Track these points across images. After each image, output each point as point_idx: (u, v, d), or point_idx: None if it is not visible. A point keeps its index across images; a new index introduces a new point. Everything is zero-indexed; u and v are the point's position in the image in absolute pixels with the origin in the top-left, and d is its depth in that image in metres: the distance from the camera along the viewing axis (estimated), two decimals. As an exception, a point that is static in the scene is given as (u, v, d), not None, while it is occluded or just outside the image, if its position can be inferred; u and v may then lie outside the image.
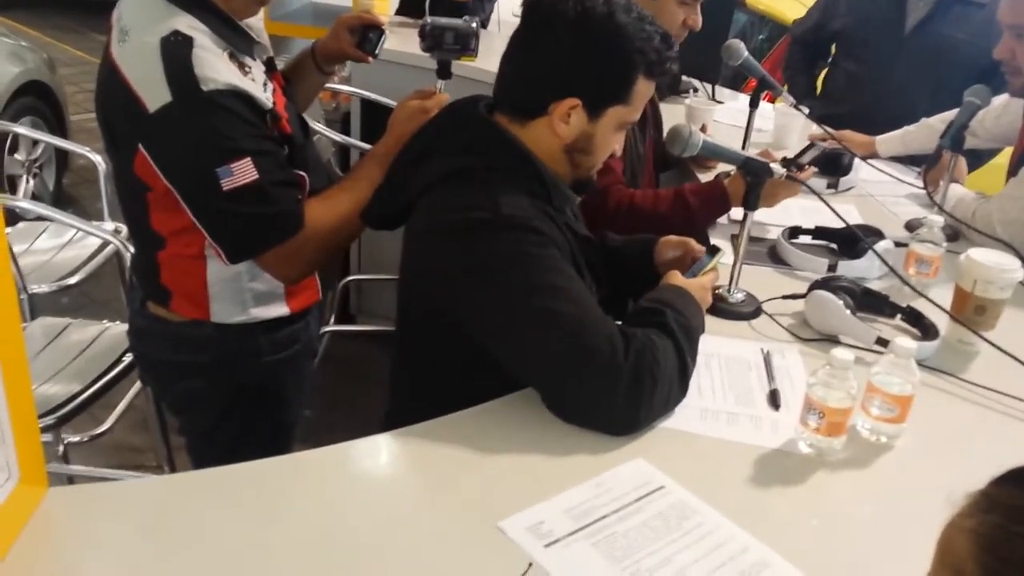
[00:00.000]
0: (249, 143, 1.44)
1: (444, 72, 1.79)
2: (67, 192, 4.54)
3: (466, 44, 1.77)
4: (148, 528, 1.11)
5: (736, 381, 1.50)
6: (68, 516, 1.11)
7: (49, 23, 7.42)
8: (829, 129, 2.64)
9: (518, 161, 1.41)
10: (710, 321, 1.63)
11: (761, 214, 2.12)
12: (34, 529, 1.06)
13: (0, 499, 0.99)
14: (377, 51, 1.85)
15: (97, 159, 2.86)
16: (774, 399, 1.44)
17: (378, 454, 1.29)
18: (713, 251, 1.63)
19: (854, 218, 2.19)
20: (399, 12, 3.66)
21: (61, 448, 2.35)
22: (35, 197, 4.17)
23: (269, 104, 1.51)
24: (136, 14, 1.45)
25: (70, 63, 6.28)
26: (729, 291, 1.72)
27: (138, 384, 2.64)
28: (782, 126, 2.68)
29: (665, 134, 1.69)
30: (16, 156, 4.05)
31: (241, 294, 1.61)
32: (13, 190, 4.08)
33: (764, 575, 1.09)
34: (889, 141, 2.59)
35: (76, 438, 2.58)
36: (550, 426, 1.33)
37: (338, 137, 3.15)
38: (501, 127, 1.43)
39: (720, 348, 1.58)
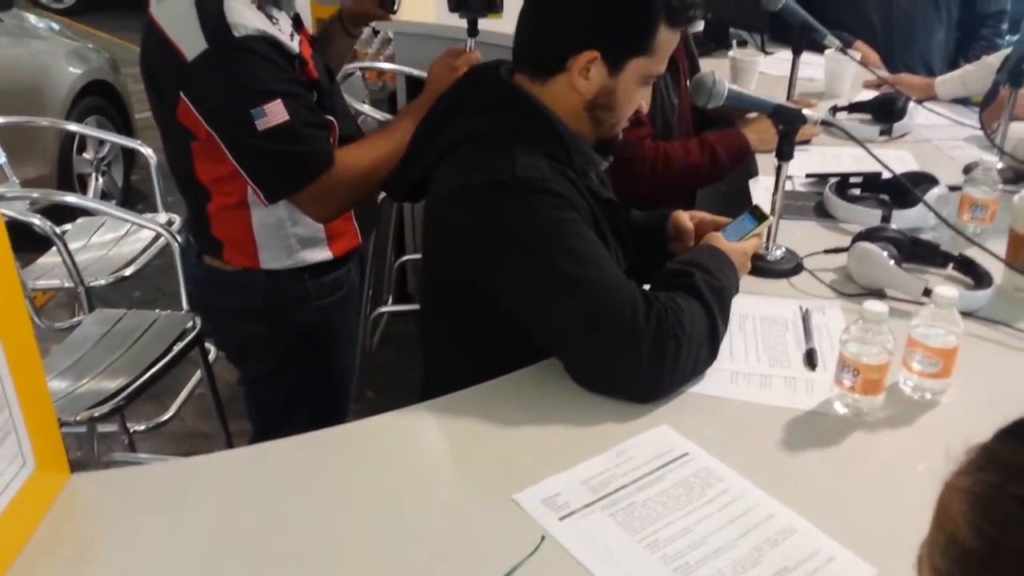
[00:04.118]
0: (280, 86, 1.53)
1: (473, 30, 1.85)
2: (136, 188, 4.66)
3: (491, 2, 1.83)
4: (168, 510, 1.12)
5: (771, 342, 1.44)
6: (92, 501, 1.13)
7: (119, 24, 7.64)
8: (884, 73, 2.53)
9: (537, 121, 1.37)
10: (747, 281, 1.57)
11: (808, 166, 2.06)
12: (57, 515, 1.08)
13: (15, 488, 1.01)
14: (395, 7, 1.96)
15: (149, 152, 2.92)
16: (810, 358, 1.38)
17: (396, 429, 1.27)
18: (760, 216, 1.55)
19: (909, 164, 2.08)
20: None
21: (126, 438, 2.43)
22: (104, 194, 4.30)
23: (296, 50, 1.60)
24: None
25: (137, 61, 6.46)
26: (767, 248, 1.65)
27: (199, 373, 2.71)
28: (833, 73, 2.56)
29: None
30: (85, 155, 4.18)
31: (286, 239, 1.71)
32: (83, 188, 4.21)
33: (791, 541, 1.04)
34: (948, 82, 2.45)
35: (141, 427, 2.67)
36: (573, 396, 1.30)
37: (384, 116, 3.14)
38: (520, 87, 1.39)
39: (756, 308, 1.52)
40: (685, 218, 1.63)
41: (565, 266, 1.28)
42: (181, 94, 1.53)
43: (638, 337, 1.25)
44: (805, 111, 1.55)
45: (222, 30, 1.49)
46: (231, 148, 1.56)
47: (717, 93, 1.52)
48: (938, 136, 2.28)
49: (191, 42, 1.50)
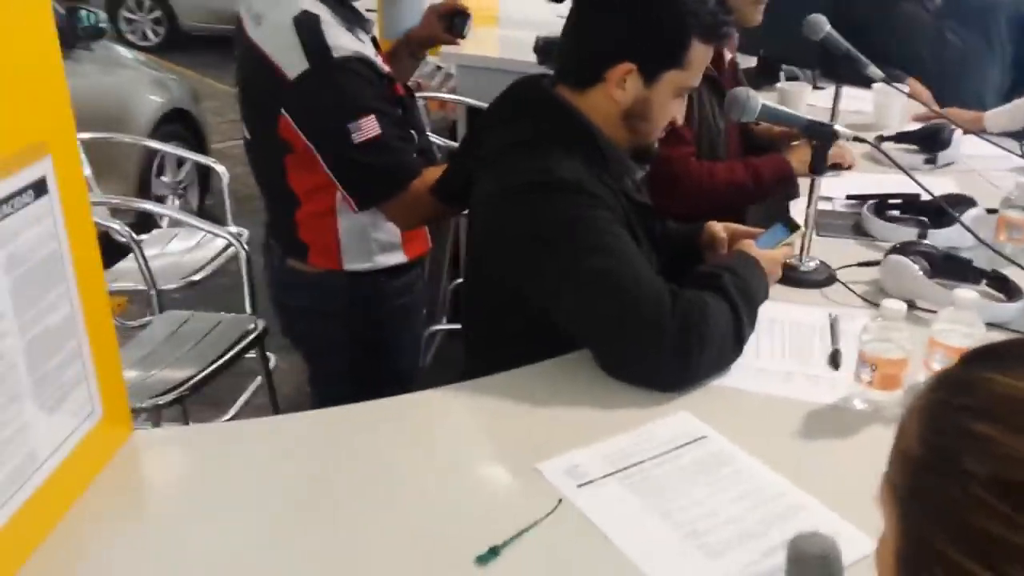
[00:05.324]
0: (373, 102, 1.65)
1: None
2: (209, 211, 4.86)
3: None
4: (224, 469, 1.21)
5: (798, 344, 1.48)
6: (152, 455, 1.23)
7: (198, 61, 8.00)
8: (933, 106, 2.56)
9: (574, 129, 1.45)
10: (780, 290, 1.63)
11: (849, 189, 2.11)
12: (117, 465, 1.18)
13: (81, 433, 1.11)
14: (464, 33, 2.08)
15: (222, 169, 3.09)
16: (834, 359, 1.42)
17: (434, 404, 1.36)
18: (792, 226, 1.62)
19: (950, 190, 2.11)
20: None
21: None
22: (180, 216, 4.50)
23: (386, 69, 1.73)
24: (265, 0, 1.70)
25: (215, 96, 6.75)
26: (800, 259, 1.70)
27: (258, 380, 2.83)
28: (881, 105, 2.61)
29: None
30: (163, 178, 4.41)
31: (367, 244, 1.82)
32: (160, 210, 4.42)
33: (800, 517, 1.09)
34: (998, 116, 2.48)
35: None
36: (601, 383, 1.36)
37: (444, 142, 3.26)
38: (559, 97, 1.48)
39: (786, 314, 1.57)
40: (718, 228, 1.69)
41: (596, 261, 1.35)
42: (282, 110, 1.66)
43: (662, 329, 1.31)
44: (836, 127, 1.61)
45: (322, 51, 1.61)
46: (328, 160, 1.68)
47: (750, 108, 1.59)
48: (984, 167, 2.31)
49: (293, 63, 1.62)
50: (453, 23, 2.07)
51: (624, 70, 1.42)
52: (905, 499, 0.61)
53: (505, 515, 1.08)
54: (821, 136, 1.61)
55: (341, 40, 1.64)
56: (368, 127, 1.63)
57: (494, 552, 1.01)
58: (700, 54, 1.44)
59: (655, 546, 1.03)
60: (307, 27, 1.62)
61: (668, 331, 1.31)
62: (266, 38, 1.67)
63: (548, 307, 1.40)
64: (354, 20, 1.74)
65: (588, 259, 1.35)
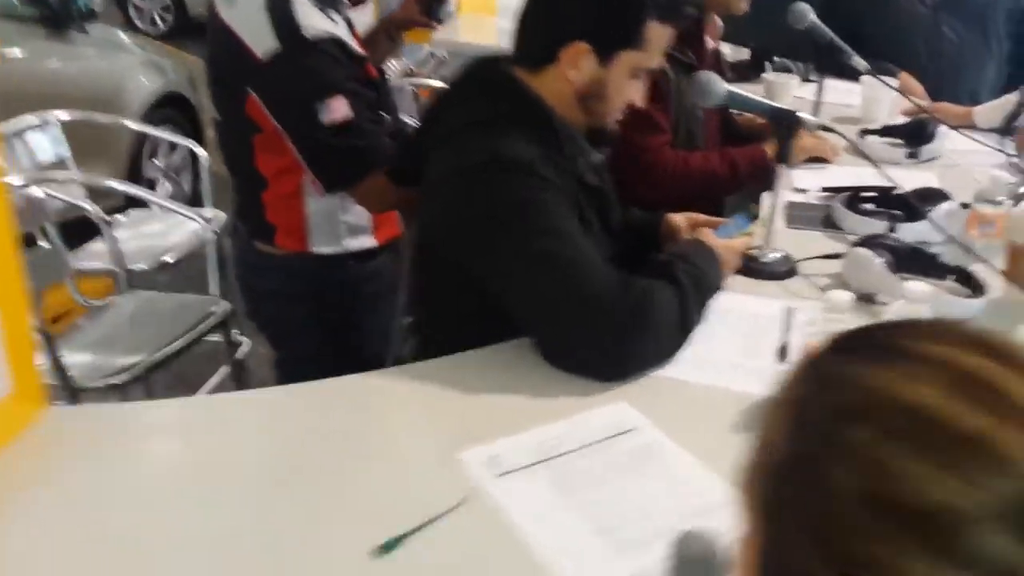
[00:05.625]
0: (344, 84, 1.62)
1: None
2: (200, 195, 4.83)
3: None
4: (137, 448, 1.18)
5: (751, 336, 1.43)
6: (66, 433, 1.20)
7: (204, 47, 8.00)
8: (922, 101, 2.50)
9: (528, 108, 1.41)
10: (740, 281, 1.58)
11: (827, 181, 2.06)
12: (27, 441, 1.14)
13: (-16, 408, 1.08)
14: (441, 17, 2.06)
15: (200, 151, 3.07)
16: (783, 352, 1.37)
17: (364, 389, 1.32)
18: (754, 216, 1.57)
19: (931, 185, 2.05)
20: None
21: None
22: (171, 199, 4.47)
23: (359, 51, 1.69)
24: None
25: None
26: (762, 250, 1.64)
27: (227, 369, 2.79)
28: (870, 98, 2.54)
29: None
30: (155, 161, 4.38)
31: (336, 227, 1.79)
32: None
33: (722, 513, 1.04)
34: (987, 111, 2.41)
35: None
36: (542, 371, 1.32)
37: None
38: (513, 77, 1.44)
39: (742, 305, 1.52)
40: (679, 218, 1.65)
41: (546, 243, 1.31)
42: (249, 90, 1.63)
43: (608, 316, 1.27)
44: (801, 114, 1.55)
45: (293, 31, 1.58)
46: (296, 140, 1.64)
47: (713, 92, 1.54)
48: (968, 162, 2.24)
49: (263, 42, 1.59)
50: (431, 7, 2.05)
51: (578, 50, 1.37)
52: (771, 501, 0.55)
53: (416, 505, 1.03)
54: (785, 123, 1.56)
55: (312, 20, 1.60)
56: (337, 108, 1.60)
57: (394, 543, 0.97)
58: (658, 34, 1.39)
59: (564, 540, 0.99)
60: (278, 6, 1.59)
61: (614, 318, 1.27)
62: (237, 17, 1.64)
63: (493, 289, 1.36)
64: (327, 1, 1.70)
65: (538, 241, 1.32)
